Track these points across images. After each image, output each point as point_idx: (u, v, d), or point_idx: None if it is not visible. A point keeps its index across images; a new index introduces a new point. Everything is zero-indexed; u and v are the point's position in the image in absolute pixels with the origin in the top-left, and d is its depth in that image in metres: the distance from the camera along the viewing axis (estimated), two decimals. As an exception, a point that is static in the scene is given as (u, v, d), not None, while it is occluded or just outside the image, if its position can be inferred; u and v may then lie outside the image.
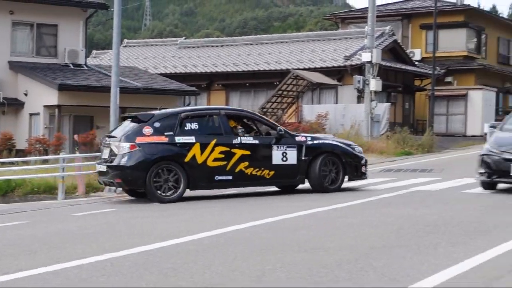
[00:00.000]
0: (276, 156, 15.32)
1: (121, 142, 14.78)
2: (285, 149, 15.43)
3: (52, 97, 28.61)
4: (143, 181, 14.45)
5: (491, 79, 46.28)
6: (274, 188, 16.08)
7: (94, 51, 48.93)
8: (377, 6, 36.26)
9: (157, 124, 14.92)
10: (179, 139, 14.78)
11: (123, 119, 16.79)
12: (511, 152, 14.21)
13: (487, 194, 13.89)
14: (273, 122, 17.20)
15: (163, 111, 16.06)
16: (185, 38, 51.16)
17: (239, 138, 15.18)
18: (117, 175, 14.74)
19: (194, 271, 7.15)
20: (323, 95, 37.08)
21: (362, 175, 15.99)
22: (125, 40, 47.59)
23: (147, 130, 14.80)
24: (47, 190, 19.46)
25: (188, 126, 15.05)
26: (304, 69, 35.63)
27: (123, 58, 37.02)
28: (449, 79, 44.48)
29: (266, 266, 7.25)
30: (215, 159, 14.86)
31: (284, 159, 15.38)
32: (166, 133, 14.79)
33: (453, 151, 30.29)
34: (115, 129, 16.52)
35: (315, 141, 15.79)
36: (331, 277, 6.74)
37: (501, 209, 11.69)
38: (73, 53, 31.06)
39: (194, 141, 14.83)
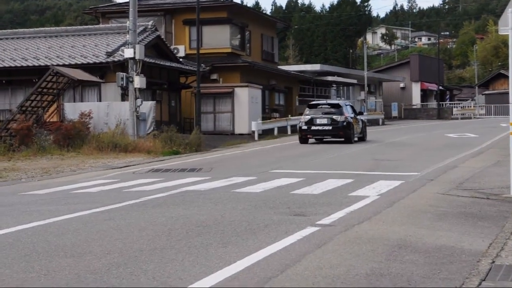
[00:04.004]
0: (360, 124, 33.22)
1: (340, 116, 31.29)
2: (361, 122, 33.72)
3: None
4: (350, 133, 31.26)
5: (257, 76, 46.68)
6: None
7: None
8: (139, 0, 35.55)
9: (344, 107, 32.26)
10: (350, 115, 31.98)
11: (311, 105, 33.41)
12: None
13: (256, 193, 13.68)
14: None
15: (340, 101, 38.00)
16: None
17: (352, 116, 32.21)
18: (341, 130, 31.24)
19: None
20: (86, 92, 35.61)
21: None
22: None
23: (344, 110, 31.93)
24: None
25: (348, 109, 32.68)
26: (65, 65, 33.90)
27: None
28: (214, 76, 44.48)
29: (30, 274, 6.97)
30: (356, 126, 32.06)
31: (361, 125, 33.30)
32: (348, 111, 32.21)
33: (221, 150, 30.18)
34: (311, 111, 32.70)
35: (363, 117, 34.80)
36: (100, 283, 6.59)
37: (270, 208, 11.49)
38: None
39: (353, 115, 32.27)
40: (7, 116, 33.16)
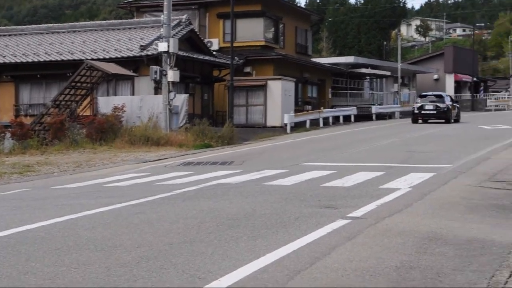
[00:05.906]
0: (456, 110, 44.88)
1: (442, 104, 43.08)
2: (457, 108, 45.45)
3: None
4: (449, 116, 43.00)
5: (290, 69, 46.55)
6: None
7: None
8: (173, -6, 35.50)
9: (445, 97, 44.61)
10: (449, 103, 43.95)
11: (421, 96, 45.65)
12: None
13: (287, 186, 13.62)
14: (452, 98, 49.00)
15: (441, 93, 49.64)
16: (-31, 27, 48.02)
17: (450, 104, 43.97)
18: (443, 114, 42.99)
19: (-19, 274, 6.80)
20: (119, 86, 35.78)
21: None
22: None
23: (445, 99, 43.98)
24: None
25: (448, 98, 44.85)
26: (99, 59, 34.10)
27: None
28: (248, 69, 44.41)
29: (60, 268, 7.04)
30: (453, 111, 44.01)
31: (456, 111, 44.84)
32: (447, 100, 44.00)
33: (253, 143, 30.16)
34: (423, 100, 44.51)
35: (456, 104, 46.14)
36: (129, 276, 6.62)
37: (301, 201, 11.43)
38: None
39: (451, 103, 44.35)
40: (41, 110, 33.44)
